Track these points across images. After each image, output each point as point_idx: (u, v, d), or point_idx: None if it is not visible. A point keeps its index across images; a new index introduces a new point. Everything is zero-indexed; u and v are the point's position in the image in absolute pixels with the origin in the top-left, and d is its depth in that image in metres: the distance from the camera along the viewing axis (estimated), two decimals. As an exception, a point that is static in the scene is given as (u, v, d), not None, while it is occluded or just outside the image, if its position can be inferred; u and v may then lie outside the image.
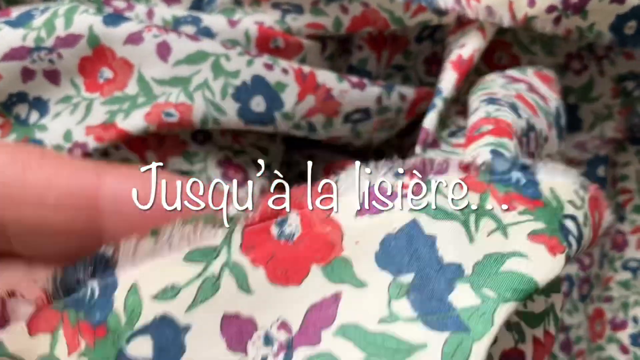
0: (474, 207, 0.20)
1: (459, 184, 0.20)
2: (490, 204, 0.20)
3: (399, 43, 0.36)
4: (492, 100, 0.26)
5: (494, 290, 0.17)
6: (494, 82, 0.29)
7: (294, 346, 0.17)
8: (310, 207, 0.18)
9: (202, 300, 0.17)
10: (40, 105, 0.28)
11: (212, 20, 0.30)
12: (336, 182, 0.19)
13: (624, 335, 0.40)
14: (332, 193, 0.19)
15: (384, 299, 0.17)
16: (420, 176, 0.20)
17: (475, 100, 0.27)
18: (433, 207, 0.19)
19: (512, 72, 0.30)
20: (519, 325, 0.22)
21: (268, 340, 0.18)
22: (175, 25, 0.30)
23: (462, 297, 0.17)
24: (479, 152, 0.23)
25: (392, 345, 0.17)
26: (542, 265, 0.18)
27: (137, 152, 0.29)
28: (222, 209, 0.18)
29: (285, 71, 0.29)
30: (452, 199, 0.19)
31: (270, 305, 0.18)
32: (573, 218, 0.21)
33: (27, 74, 0.28)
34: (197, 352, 0.17)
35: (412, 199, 0.19)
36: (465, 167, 0.21)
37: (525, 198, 0.21)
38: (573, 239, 0.20)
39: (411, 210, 0.18)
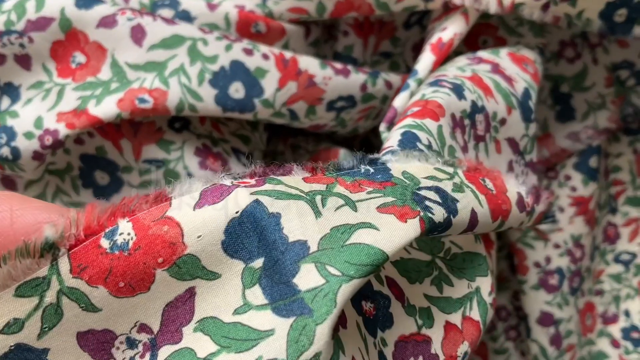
0: (320, 189, 0.19)
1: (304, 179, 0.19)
2: (338, 189, 0.19)
3: (386, 29, 0.34)
4: (434, 83, 0.26)
5: (337, 268, 0.16)
6: (454, 63, 0.28)
7: (158, 345, 0.17)
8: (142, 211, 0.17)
9: (50, 328, 0.17)
10: (11, 91, 0.27)
11: (191, 3, 0.29)
12: (170, 189, 0.18)
13: (615, 329, 0.39)
14: (165, 197, 0.18)
15: (239, 289, 0.17)
16: (262, 176, 0.19)
17: (424, 82, 0.27)
18: (275, 190, 0.18)
19: (482, 53, 0.30)
20: (428, 310, 0.22)
21: (131, 342, 0.17)
22: (152, 8, 0.29)
23: (306, 278, 0.16)
24: (392, 135, 0.23)
25: (242, 336, 0.16)
26: (392, 234, 0.18)
27: (111, 139, 0.28)
28: (34, 239, 0.16)
29: (265, 57, 0.28)
30: (296, 187, 0.19)
31: (123, 314, 0.17)
32: (432, 188, 0.20)
33: (-3, 59, 0.27)
34: None
35: (253, 188, 0.18)
36: (312, 169, 0.20)
37: (375, 182, 0.20)
38: (435, 203, 0.19)
39: (252, 193, 0.18)
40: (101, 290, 0.17)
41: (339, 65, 0.30)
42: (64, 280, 0.16)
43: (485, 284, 0.23)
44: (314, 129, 0.31)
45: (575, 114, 0.38)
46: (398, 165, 0.21)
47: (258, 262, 0.17)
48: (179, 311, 0.17)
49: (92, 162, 0.29)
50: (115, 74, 0.27)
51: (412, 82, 0.28)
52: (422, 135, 0.23)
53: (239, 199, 0.17)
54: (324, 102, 0.30)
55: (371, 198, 0.19)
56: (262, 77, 0.28)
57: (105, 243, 0.17)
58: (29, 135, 0.26)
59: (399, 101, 0.27)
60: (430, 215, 0.19)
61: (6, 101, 0.27)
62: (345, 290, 0.16)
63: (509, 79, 0.28)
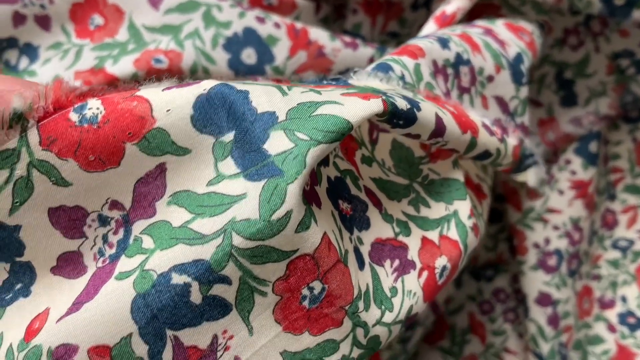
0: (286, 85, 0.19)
1: None
2: (302, 86, 0.20)
3: (394, 9, 0.35)
4: (424, 37, 0.27)
5: (306, 134, 0.17)
6: (448, 28, 0.29)
7: (131, 221, 0.18)
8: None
9: (21, 202, 0.17)
10: (30, 51, 0.28)
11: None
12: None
13: (612, 314, 0.40)
14: (134, 87, 0.18)
15: (211, 162, 0.17)
16: None
17: None
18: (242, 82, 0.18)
19: (478, 21, 0.31)
20: (405, 223, 0.22)
21: (103, 220, 0.18)
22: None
23: (276, 143, 0.17)
24: (369, 66, 0.23)
25: (216, 202, 0.17)
26: (355, 107, 0.18)
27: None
28: (4, 107, 0.16)
29: (277, 25, 0.29)
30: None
31: (93, 190, 0.17)
32: (393, 92, 0.21)
33: (18, 19, 0.28)
34: (37, 244, 0.17)
35: None
36: (277, 80, 0.21)
37: (337, 86, 0.21)
38: (396, 96, 0.20)
39: (220, 83, 0.18)
40: (71, 163, 0.17)
41: (347, 39, 0.31)
42: (34, 152, 0.16)
43: (463, 207, 0.24)
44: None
45: (577, 100, 0.38)
46: (359, 83, 0.22)
47: (229, 136, 0.18)
48: (150, 187, 0.18)
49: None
50: (132, 36, 0.27)
51: None
52: (396, 67, 0.23)
53: (207, 84, 0.18)
54: (333, 73, 0.30)
55: (334, 89, 0.20)
56: (274, 44, 0.29)
57: (74, 116, 0.17)
58: (46, 92, 0.27)
59: None
60: (392, 100, 0.19)
61: (25, 61, 0.28)
62: (314, 153, 0.17)
63: (501, 42, 0.29)
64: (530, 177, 0.29)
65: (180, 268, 0.16)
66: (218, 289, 0.16)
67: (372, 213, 0.22)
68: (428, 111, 0.21)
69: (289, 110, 0.18)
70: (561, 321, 0.37)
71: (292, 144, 0.17)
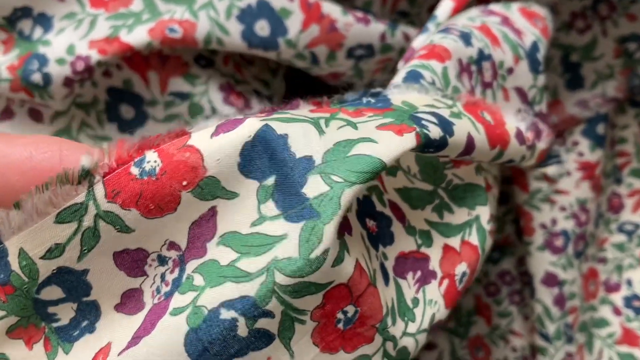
0: (324, 115, 0.20)
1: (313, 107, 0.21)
2: (340, 115, 0.21)
3: (405, -12, 0.36)
4: (444, 30, 0.27)
5: (340, 176, 0.18)
6: (466, 14, 0.30)
7: (186, 260, 0.19)
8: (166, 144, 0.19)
9: (88, 250, 0.18)
10: (44, 21, 0.28)
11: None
12: (189, 127, 0.20)
13: (617, 298, 0.40)
14: (185, 132, 0.19)
15: (254, 205, 0.19)
16: (271, 112, 0.21)
17: (435, 31, 0.28)
18: (282, 117, 0.20)
19: (494, 6, 0.31)
20: (428, 232, 0.24)
21: (162, 260, 0.19)
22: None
23: (313, 187, 0.18)
24: (398, 74, 0.24)
25: (260, 242, 0.18)
26: (389, 145, 0.19)
27: (139, 71, 0.29)
28: (74, 167, 0.18)
29: (290, -1, 0.29)
30: (301, 114, 0.20)
31: (154, 234, 0.19)
32: (430, 112, 0.22)
33: (33, -12, 0.28)
34: (103, 284, 0.19)
35: (263, 116, 0.20)
36: (317, 102, 0.22)
37: (375, 109, 0.22)
38: (431, 123, 0.21)
39: (262, 119, 0.19)
40: (133, 212, 0.18)
41: (359, 14, 0.31)
42: (100, 204, 0.18)
43: (484, 212, 0.25)
44: (332, 77, 0.32)
45: (584, 83, 0.39)
46: (398, 96, 0.23)
47: (270, 180, 0.19)
48: (203, 229, 0.19)
49: (118, 96, 0.30)
50: (147, 6, 0.28)
51: (431, 26, 0.29)
52: (426, 73, 0.24)
53: (251, 126, 0.19)
54: (344, 48, 0.31)
55: (371, 120, 0.21)
56: (287, 17, 0.29)
57: (135, 170, 0.18)
58: (60, 61, 0.27)
59: (418, 43, 0.28)
60: (426, 131, 0.20)
61: (39, 31, 0.28)
62: (348, 194, 0.18)
63: (517, 32, 0.29)
64: (550, 171, 0.30)
65: (229, 304, 0.17)
66: (262, 323, 0.18)
67: (396, 228, 0.23)
68: (460, 133, 0.22)
69: (325, 152, 0.19)
70: (567, 302, 0.37)
71: (327, 187, 0.18)
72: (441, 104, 0.23)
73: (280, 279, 0.17)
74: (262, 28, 0.28)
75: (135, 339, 0.18)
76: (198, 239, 0.19)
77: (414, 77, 0.24)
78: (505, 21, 0.30)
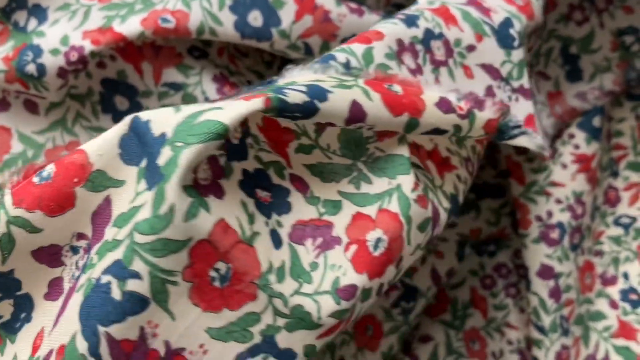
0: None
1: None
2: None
3: (400, -19, 0.36)
4: (388, 17, 0.28)
5: (181, 141, 0.20)
6: (427, 1, 0.30)
7: (92, 246, 0.21)
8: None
9: (9, 253, 0.21)
10: (38, 13, 0.29)
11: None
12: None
13: (613, 291, 0.40)
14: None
15: (134, 186, 0.21)
16: None
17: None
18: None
19: None
20: (337, 202, 0.25)
21: (74, 249, 0.22)
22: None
23: (163, 157, 0.20)
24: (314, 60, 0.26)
25: (130, 215, 0.20)
26: (233, 109, 0.21)
27: (132, 62, 0.29)
28: None
29: (283, -11, 0.29)
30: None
31: (61, 229, 0.22)
32: (303, 84, 0.23)
33: (27, -21, 0.28)
34: (30, 278, 0.22)
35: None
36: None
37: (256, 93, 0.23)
38: (294, 91, 0.22)
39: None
40: (38, 213, 0.21)
41: (353, 5, 0.31)
42: (9, 211, 0.21)
43: (407, 181, 0.25)
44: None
45: (582, 75, 0.39)
46: (286, 80, 0.24)
47: (144, 162, 0.21)
48: (102, 217, 0.21)
49: (112, 87, 0.30)
50: (140, -4, 0.28)
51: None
52: (340, 55, 0.25)
53: (126, 119, 0.22)
54: (338, 39, 0.31)
55: (239, 96, 0.23)
56: (280, 7, 0.29)
57: (36, 179, 0.21)
58: (54, 51, 0.27)
59: None
60: (281, 96, 0.22)
61: (33, 22, 0.28)
62: (186, 153, 0.20)
63: (485, 10, 0.30)
64: (524, 143, 0.29)
65: (107, 270, 0.20)
66: (132, 285, 0.19)
67: (295, 197, 0.24)
68: (340, 99, 0.23)
69: (176, 126, 0.21)
70: (563, 294, 0.37)
71: (172, 152, 0.20)
72: (332, 79, 0.24)
73: (139, 238, 0.19)
74: (255, 18, 0.28)
75: (57, 320, 0.21)
76: (100, 227, 0.21)
77: (324, 59, 0.25)
78: (472, 1, 0.30)
